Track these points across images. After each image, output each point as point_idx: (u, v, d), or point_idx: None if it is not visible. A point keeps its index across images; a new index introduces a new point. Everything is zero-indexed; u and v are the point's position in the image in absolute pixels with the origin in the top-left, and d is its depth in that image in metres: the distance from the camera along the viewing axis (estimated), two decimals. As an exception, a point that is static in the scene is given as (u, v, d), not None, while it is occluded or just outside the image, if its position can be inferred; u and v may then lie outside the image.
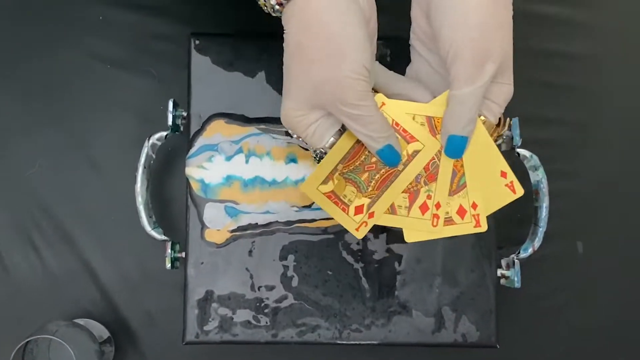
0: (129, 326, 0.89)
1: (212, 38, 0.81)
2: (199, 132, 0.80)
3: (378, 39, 0.65)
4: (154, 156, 0.82)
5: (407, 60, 0.69)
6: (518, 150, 0.81)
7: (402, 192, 0.66)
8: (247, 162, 0.79)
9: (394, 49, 0.82)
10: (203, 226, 0.78)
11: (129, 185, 0.80)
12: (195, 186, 0.78)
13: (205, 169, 0.79)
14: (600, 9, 0.99)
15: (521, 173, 0.79)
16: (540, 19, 0.98)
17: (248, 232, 0.78)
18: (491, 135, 0.65)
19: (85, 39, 0.92)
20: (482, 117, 0.64)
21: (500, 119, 0.66)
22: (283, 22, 0.61)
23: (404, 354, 0.90)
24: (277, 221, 0.79)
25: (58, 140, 0.91)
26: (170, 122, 0.81)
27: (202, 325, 0.78)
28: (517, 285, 0.80)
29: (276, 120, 0.79)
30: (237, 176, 0.79)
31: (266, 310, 0.78)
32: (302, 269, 0.79)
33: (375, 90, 0.64)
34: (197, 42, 0.81)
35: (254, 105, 0.81)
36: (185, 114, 0.81)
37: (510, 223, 0.87)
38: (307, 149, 0.78)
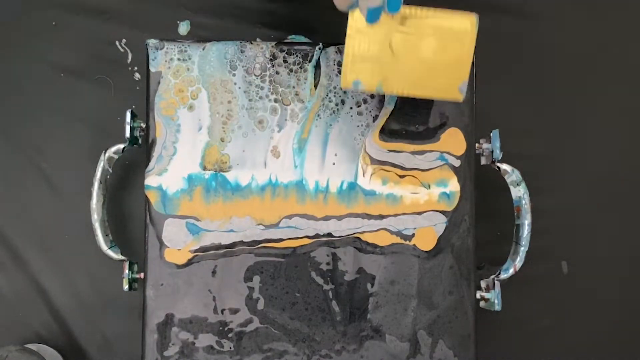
0: (83, 352, 0.88)
1: (170, 44, 0.79)
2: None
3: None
4: (110, 170, 0.80)
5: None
6: (498, 164, 0.79)
7: None
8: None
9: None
10: (162, 245, 0.76)
11: (83, 201, 0.79)
12: (153, 198, 0.76)
13: (164, 173, 0.76)
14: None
15: (501, 188, 0.79)
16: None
17: (211, 252, 0.76)
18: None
19: (37, 45, 0.90)
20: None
21: None
22: None
23: (377, 381, 0.87)
24: (241, 241, 0.76)
25: (7, 152, 0.89)
26: (127, 134, 0.79)
27: (161, 351, 0.75)
28: (498, 308, 0.78)
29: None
30: (197, 174, 0.76)
31: (230, 335, 0.76)
32: (268, 290, 0.76)
33: None
34: (154, 49, 0.78)
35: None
36: (144, 125, 0.79)
37: (490, 242, 0.86)
38: None
